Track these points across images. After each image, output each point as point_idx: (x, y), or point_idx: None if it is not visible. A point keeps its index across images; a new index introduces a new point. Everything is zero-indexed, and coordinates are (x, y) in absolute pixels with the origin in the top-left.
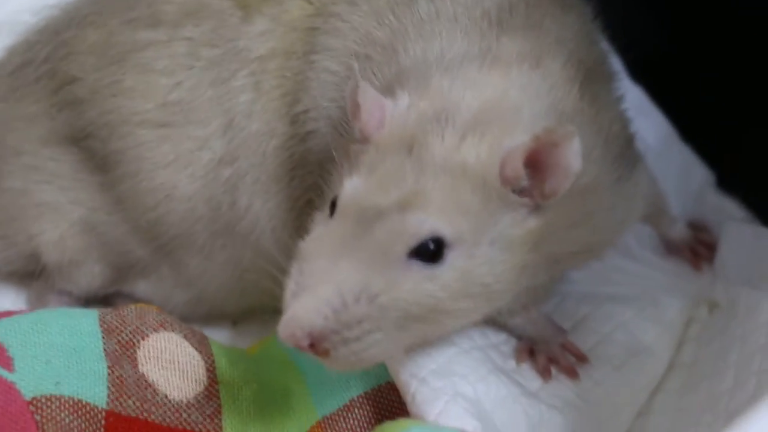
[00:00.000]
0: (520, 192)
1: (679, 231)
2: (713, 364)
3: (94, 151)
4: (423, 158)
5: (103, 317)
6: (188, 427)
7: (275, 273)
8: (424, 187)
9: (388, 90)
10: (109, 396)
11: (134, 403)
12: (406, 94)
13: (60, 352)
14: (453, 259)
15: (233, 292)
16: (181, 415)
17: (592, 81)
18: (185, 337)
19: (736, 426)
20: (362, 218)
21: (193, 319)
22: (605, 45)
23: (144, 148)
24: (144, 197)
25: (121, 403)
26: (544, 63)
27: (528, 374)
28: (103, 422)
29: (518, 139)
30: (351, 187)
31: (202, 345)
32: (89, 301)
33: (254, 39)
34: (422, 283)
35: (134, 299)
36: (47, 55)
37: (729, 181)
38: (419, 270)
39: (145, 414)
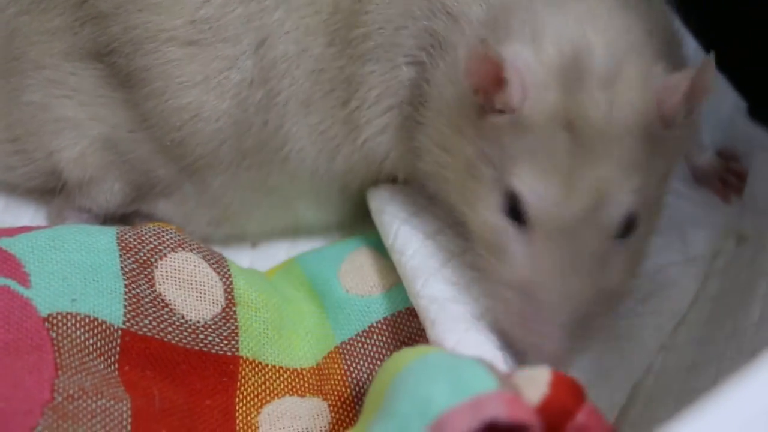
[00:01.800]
0: (669, 126)
1: (708, 160)
2: (739, 297)
3: (117, 67)
4: (586, 133)
5: (121, 235)
6: (204, 348)
7: (301, 193)
8: (609, 173)
9: (486, 29)
10: (125, 315)
11: (150, 322)
12: (534, 48)
13: (77, 269)
14: (642, 216)
15: (256, 212)
16: (197, 336)
17: None
18: (204, 257)
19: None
20: (566, 232)
21: (213, 240)
22: None
23: (171, 65)
24: (170, 116)
25: (137, 323)
26: None
27: None
28: (119, 341)
29: (657, 72)
30: (541, 198)
31: (220, 266)
32: (108, 219)
33: None
34: (636, 255)
35: (154, 219)
36: None
37: (761, 109)
38: (626, 245)
39: (161, 334)
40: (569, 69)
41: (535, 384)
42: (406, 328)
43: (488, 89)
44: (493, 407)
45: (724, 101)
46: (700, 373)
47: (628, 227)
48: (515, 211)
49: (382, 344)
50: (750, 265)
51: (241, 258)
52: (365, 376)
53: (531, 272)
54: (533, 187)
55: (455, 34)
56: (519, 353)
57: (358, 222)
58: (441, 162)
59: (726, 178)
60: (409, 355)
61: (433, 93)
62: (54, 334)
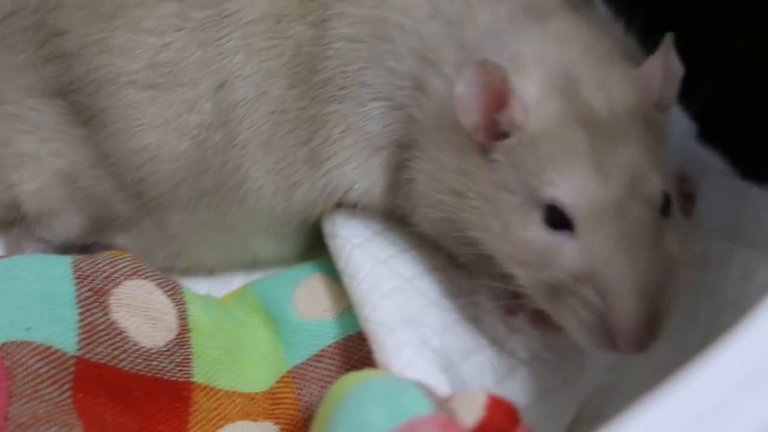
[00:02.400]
0: (660, 110)
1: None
2: (685, 317)
3: (79, 105)
4: (598, 125)
5: (77, 264)
6: (158, 375)
7: (258, 230)
8: (634, 152)
9: (457, 64)
10: (79, 343)
11: (104, 350)
12: (519, 74)
13: (33, 298)
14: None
15: (214, 249)
16: (151, 362)
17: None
18: (158, 284)
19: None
20: (613, 212)
21: (171, 271)
22: None
23: (131, 108)
24: (130, 157)
25: (90, 350)
26: (577, 4)
27: (496, 325)
28: (72, 369)
29: (629, 67)
30: (579, 193)
31: (174, 292)
32: (67, 249)
33: (244, 2)
34: (684, 235)
35: (113, 249)
36: (36, 5)
37: (710, 132)
38: (672, 225)
39: (114, 361)
40: (560, 81)
41: (471, 407)
42: (358, 352)
43: (490, 115)
44: (427, 430)
45: (675, 125)
46: (646, 390)
47: (665, 205)
48: (558, 221)
49: (333, 368)
50: (696, 285)
51: (198, 285)
52: (316, 399)
53: (592, 261)
54: (569, 186)
55: (435, 78)
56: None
57: (315, 249)
58: (455, 207)
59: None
60: (352, 379)
61: (425, 143)
62: (8, 363)
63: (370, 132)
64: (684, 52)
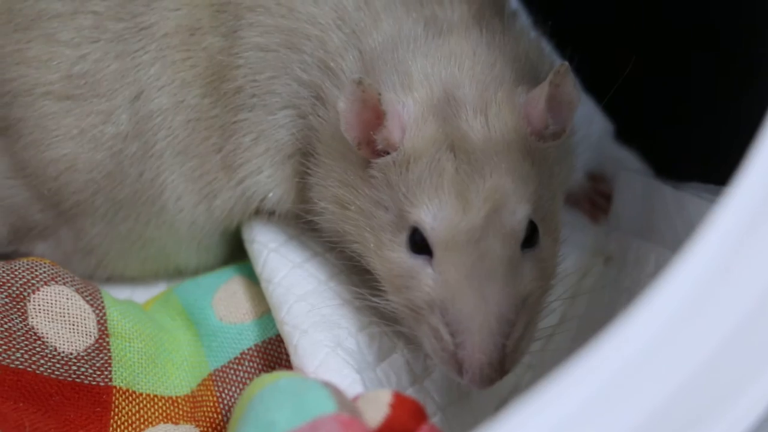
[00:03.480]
0: (544, 139)
1: (578, 181)
2: (602, 315)
3: None
4: (469, 152)
5: None
6: (77, 380)
7: (180, 242)
8: (499, 183)
9: (354, 74)
10: None
11: (23, 355)
12: (404, 91)
13: None
14: (542, 228)
15: (134, 260)
16: (70, 367)
17: (512, 21)
18: (77, 290)
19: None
20: (468, 243)
21: (93, 279)
22: None
23: (47, 119)
24: (46, 167)
25: (9, 356)
26: (486, 18)
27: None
28: None
29: (520, 92)
30: (438, 218)
31: (94, 298)
32: None
33: (160, 15)
34: (547, 262)
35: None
36: None
37: (627, 131)
38: (534, 255)
39: (33, 366)
40: (442, 103)
41: (377, 405)
42: (276, 354)
43: (369, 133)
44: (329, 428)
45: (593, 125)
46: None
47: (530, 236)
48: (419, 244)
49: (253, 370)
50: (613, 284)
51: (119, 291)
52: (236, 401)
53: (444, 291)
54: (429, 211)
55: (332, 88)
56: (455, 374)
57: (236, 255)
58: (338, 217)
59: (595, 199)
60: (263, 381)
61: (321, 151)
62: None
63: (280, 140)
64: (601, 51)
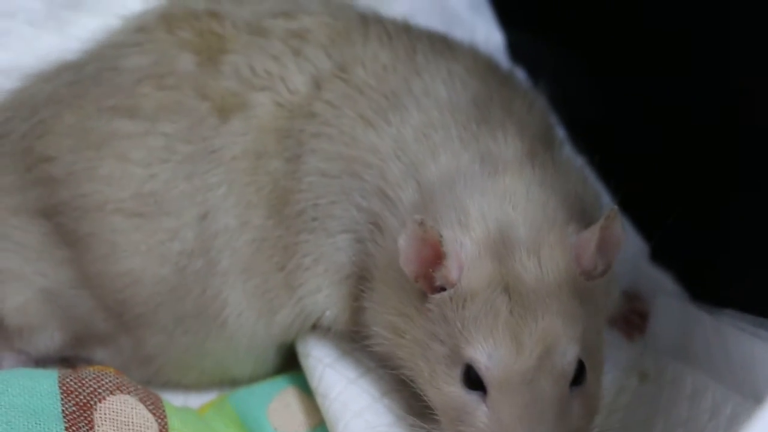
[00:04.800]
0: (592, 278)
1: (615, 303)
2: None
3: (64, 228)
4: (522, 294)
5: (63, 379)
6: None
7: (237, 355)
8: (551, 325)
9: (415, 212)
10: None
11: None
12: (462, 230)
13: (20, 412)
14: (587, 364)
15: (192, 371)
16: None
17: (560, 152)
18: (140, 399)
19: None
20: (521, 384)
21: (148, 386)
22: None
23: (116, 234)
24: (113, 280)
25: None
26: (538, 152)
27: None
28: None
29: (571, 232)
30: (493, 359)
31: (156, 407)
32: (46, 361)
33: (228, 139)
34: (592, 398)
35: (93, 363)
36: (24, 132)
37: (662, 253)
38: (581, 391)
39: None
40: (497, 242)
41: None
42: None
43: (428, 269)
44: None
45: (628, 245)
46: None
47: (578, 374)
48: (474, 380)
49: None
50: (650, 402)
51: (175, 396)
52: None
53: (499, 428)
54: (484, 351)
55: (390, 217)
56: None
57: (289, 363)
58: (392, 343)
59: (630, 318)
60: None
61: (377, 277)
62: None
63: (338, 261)
64: (640, 170)
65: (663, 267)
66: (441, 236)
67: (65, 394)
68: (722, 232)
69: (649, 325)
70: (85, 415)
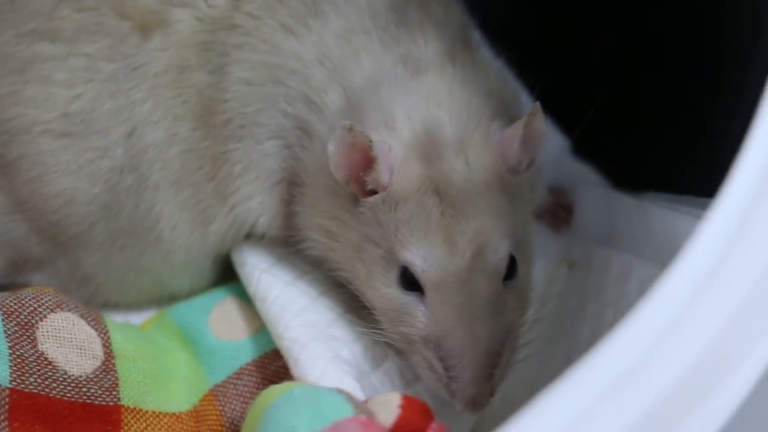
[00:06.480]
0: (518, 173)
1: (541, 197)
2: (572, 317)
3: None
4: (452, 195)
5: (2, 300)
6: (88, 401)
7: (175, 270)
8: (482, 224)
9: (341, 116)
10: (11, 374)
11: (36, 380)
12: (389, 132)
13: None
14: (518, 257)
15: (130, 288)
16: (80, 389)
17: (478, 52)
18: (81, 316)
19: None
20: (457, 284)
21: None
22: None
23: (45, 156)
24: (45, 202)
25: (23, 381)
26: (457, 52)
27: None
28: (7, 399)
29: (495, 129)
30: (428, 261)
31: (97, 322)
32: None
33: (151, 55)
34: (524, 290)
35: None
36: None
37: (583, 147)
38: (513, 285)
39: (46, 390)
40: (425, 144)
41: (388, 407)
42: (273, 367)
43: (358, 173)
44: (352, 430)
45: (549, 141)
46: (540, 389)
47: (510, 269)
48: (410, 281)
49: (252, 384)
50: (580, 288)
51: (115, 315)
52: (239, 415)
53: (437, 329)
54: (418, 253)
55: (317, 122)
56: (448, 397)
57: (225, 277)
58: (326, 247)
59: (556, 211)
60: (276, 391)
61: (307, 181)
62: None
63: (268, 168)
64: (560, 68)
65: (584, 159)
66: (371, 141)
67: (6, 315)
68: (636, 120)
69: (574, 215)
70: (28, 333)
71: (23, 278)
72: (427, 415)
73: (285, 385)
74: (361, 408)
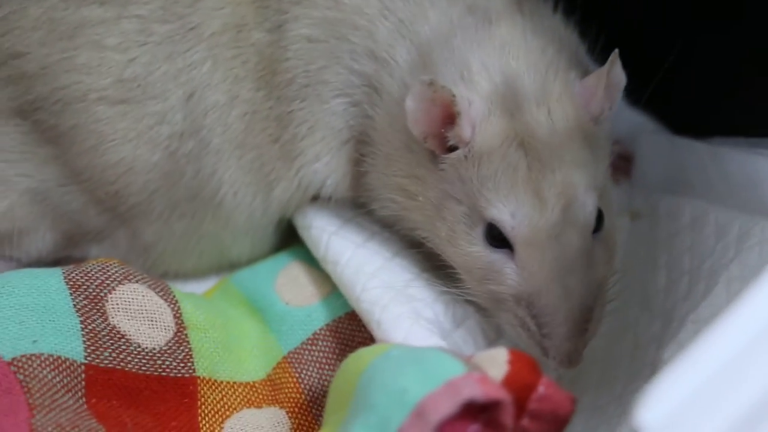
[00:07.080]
0: (599, 123)
1: None
2: (643, 267)
3: (44, 124)
4: (538, 147)
5: (68, 274)
6: (163, 373)
7: (236, 235)
8: (569, 177)
9: (412, 71)
10: (85, 350)
11: (110, 354)
12: (467, 86)
13: (31, 311)
14: (603, 209)
15: (190, 257)
16: (155, 362)
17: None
18: (149, 286)
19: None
20: (549, 240)
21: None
22: None
23: (102, 124)
24: (104, 172)
25: (98, 356)
26: (523, 1)
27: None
28: (83, 375)
29: (573, 78)
30: (517, 217)
31: (166, 293)
32: (38, 265)
33: (205, 14)
34: (611, 242)
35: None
36: None
37: (641, 95)
38: (601, 238)
39: (121, 364)
40: (505, 97)
41: (496, 363)
42: (348, 331)
43: (438, 130)
44: (469, 388)
45: None
46: (619, 340)
47: (598, 221)
48: (497, 238)
49: (327, 349)
50: (648, 238)
51: (174, 286)
52: (316, 381)
53: (529, 286)
54: (507, 209)
55: (387, 78)
56: (541, 355)
57: (287, 242)
58: (402, 206)
59: (615, 162)
60: (369, 354)
61: (379, 140)
62: (21, 377)
63: (334, 127)
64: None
65: (642, 108)
66: (453, 96)
67: (73, 289)
68: (697, 63)
69: (636, 164)
70: (98, 307)
71: (79, 252)
72: (536, 370)
73: (378, 347)
74: (472, 365)
